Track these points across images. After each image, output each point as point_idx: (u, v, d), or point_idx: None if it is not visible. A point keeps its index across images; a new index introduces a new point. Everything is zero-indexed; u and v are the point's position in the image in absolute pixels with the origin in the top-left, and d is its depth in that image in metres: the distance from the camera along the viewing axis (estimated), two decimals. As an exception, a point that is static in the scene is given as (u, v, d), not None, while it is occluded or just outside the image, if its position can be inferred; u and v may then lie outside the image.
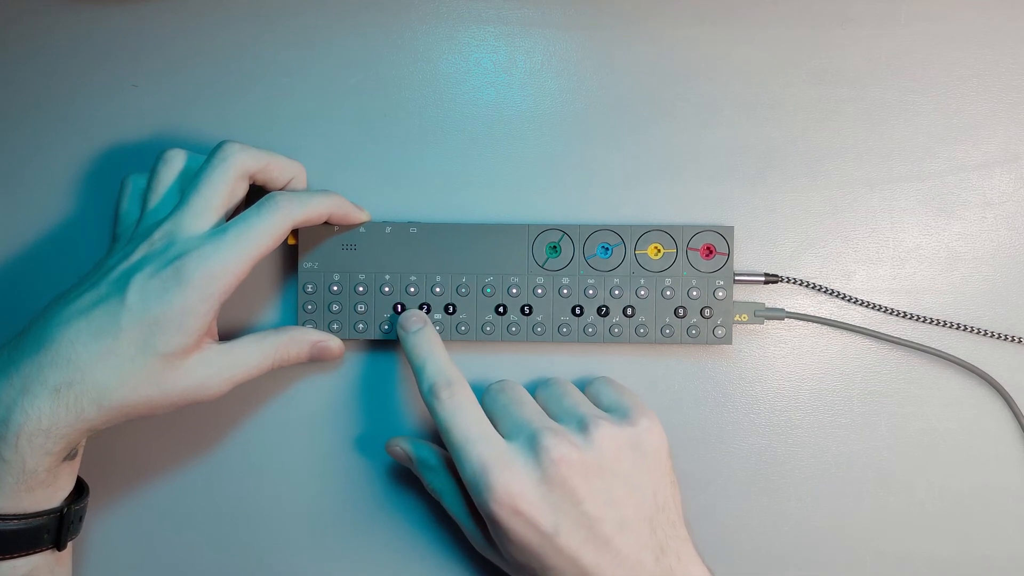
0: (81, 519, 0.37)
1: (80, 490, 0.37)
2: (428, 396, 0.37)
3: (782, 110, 0.42)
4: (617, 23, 0.43)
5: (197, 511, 0.42)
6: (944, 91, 0.42)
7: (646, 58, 0.43)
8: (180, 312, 0.34)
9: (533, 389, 0.40)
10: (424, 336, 0.39)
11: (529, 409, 0.37)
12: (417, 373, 0.38)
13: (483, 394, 0.39)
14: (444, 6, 0.43)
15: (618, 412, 0.38)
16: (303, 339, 0.39)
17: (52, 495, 0.35)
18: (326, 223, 0.39)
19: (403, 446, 0.39)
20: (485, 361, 0.42)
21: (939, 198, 0.42)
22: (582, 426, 0.36)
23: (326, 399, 0.42)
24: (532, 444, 0.35)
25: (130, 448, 0.42)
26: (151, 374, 0.34)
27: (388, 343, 0.42)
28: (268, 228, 0.35)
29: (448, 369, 0.37)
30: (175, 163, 0.38)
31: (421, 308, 0.41)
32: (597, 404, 0.39)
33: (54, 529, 0.35)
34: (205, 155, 0.37)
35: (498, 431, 0.37)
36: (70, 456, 0.35)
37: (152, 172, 0.38)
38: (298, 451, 0.42)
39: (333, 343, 0.40)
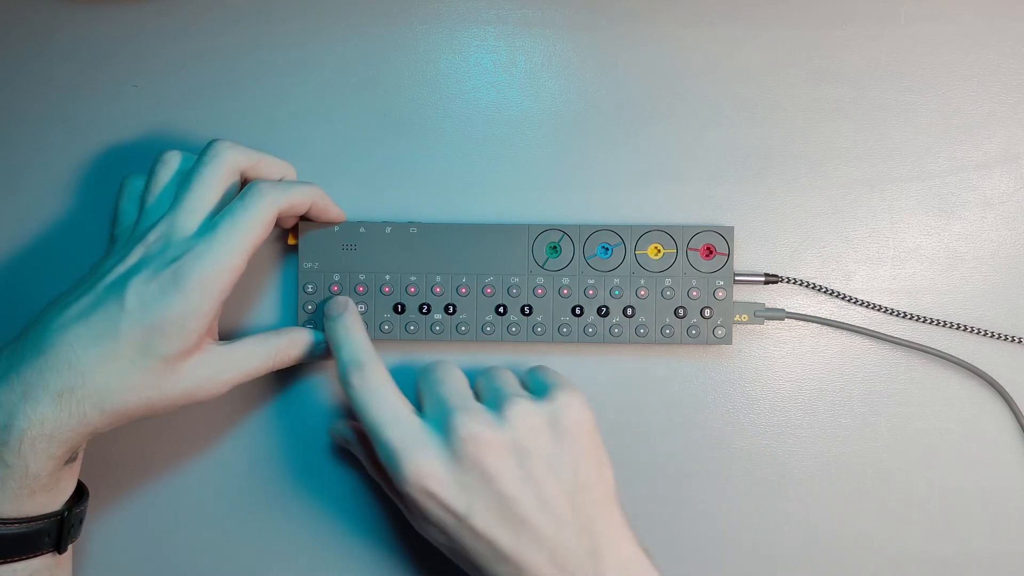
0: (81, 522, 0.37)
1: (80, 493, 0.37)
2: (341, 382, 0.36)
3: (782, 110, 0.42)
4: (617, 23, 0.43)
5: (196, 512, 0.42)
6: (944, 91, 0.42)
7: (646, 58, 0.43)
8: (180, 314, 0.34)
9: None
10: (341, 322, 0.38)
11: (450, 388, 0.37)
12: (335, 355, 0.37)
13: (418, 371, 0.38)
14: (444, 6, 0.43)
15: (538, 391, 0.37)
16: (302, 340, 0.39)
17: (53, 499, 0.35)
18: (304, 218, 0.40)
19: (340, 428, 0.40)
20: (485, 361, 0.42)
21: (939, 198, 0.42)
22: (496, 404, 0.36)
23: (325, 398, 0.42)
24: (443, 423, 0.35)
25: (129, 449, 0.42)
26: (151, 377, 0.34)
27: (390, 342, 0.42)
28: (255, 217, 0.35)
29: (360, 353, 0.37)
30: (172, 164, 0.38)
31: (421, 308, 0.41)
32: (524, 387, 0.38)
33: (55, 532, 0.35)
34: (202, 156, 0.37)
35: (422, 409, 0.36)
36: (71, 459, 0.35)
37: (150, 173, 0.38)
38: (299, 450, 0.42)
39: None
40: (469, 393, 0.37)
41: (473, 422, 0.34)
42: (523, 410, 0.35)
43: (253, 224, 0.35)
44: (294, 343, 0.39)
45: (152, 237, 0.35)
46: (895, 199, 0.42)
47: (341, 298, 0.39)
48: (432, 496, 0.34)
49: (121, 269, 0.35)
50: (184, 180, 0.36)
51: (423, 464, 0.34)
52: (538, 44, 0.43)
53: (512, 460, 0.34)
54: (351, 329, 0.38)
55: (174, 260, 0.34)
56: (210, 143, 0.37)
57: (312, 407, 0.42)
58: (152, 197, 0.37)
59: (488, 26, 0.43)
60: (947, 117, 0.42)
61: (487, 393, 0.37)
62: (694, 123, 0.42)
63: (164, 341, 0.34)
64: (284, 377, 0.42)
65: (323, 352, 0.40)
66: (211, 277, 0.34)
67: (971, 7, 0.42)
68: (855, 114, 0.42)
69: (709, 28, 0.43)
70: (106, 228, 0.42)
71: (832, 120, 0.42)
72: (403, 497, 0.35)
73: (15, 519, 0.34)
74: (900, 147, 0.42)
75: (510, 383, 0.38)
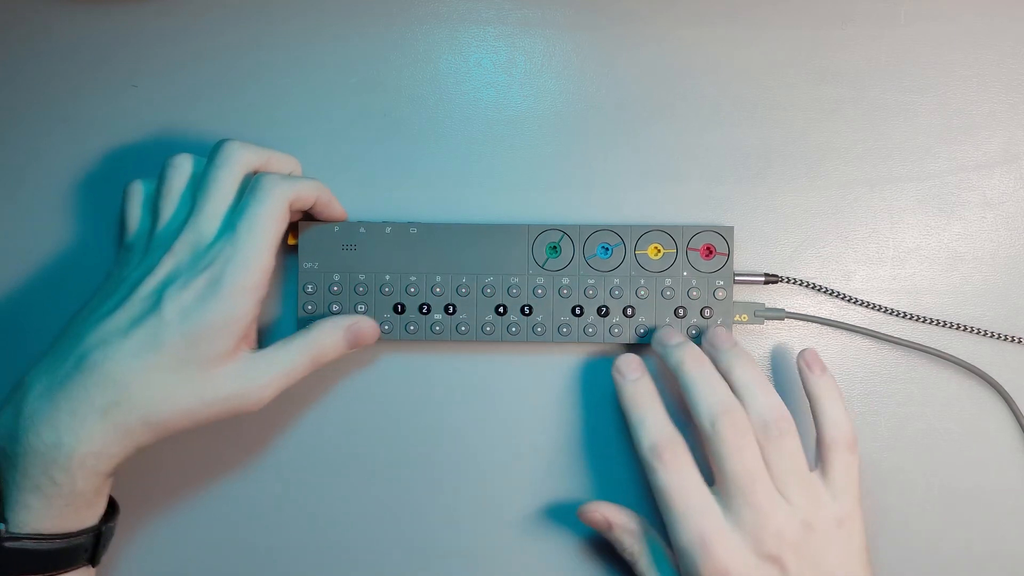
0: (112, 535, 0.37)
1: (111, 506, 0.37)
2: (648, 455, 0.37)
3: (782, 110, 0.42)
4: (617, 23, 0.43)
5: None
6: (944, 91, 0.42)
7: (646, 58, 0.43)
8: (221, 319, 0.34)
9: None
10: (643, 387, 0.39)
11: (750, 463, 0.36)
12: (635, 427, 0.38)
13: (705, 414, 0.37)
14: (444, 6, 0.43)
15: (826, 467, 0.38)
16: (335, 325, 0.39)
17: (93, 514, 0.36)
18: (307, 216, 0.40)
19: (603, 512, 0.39)
20: (485, 361, 0.42)
21: (939, 198, 0.42)
22: (794, 495, 0.36)
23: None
24: (749, 520, 0.36)
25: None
26: (192, 385, 0.35)
27: (390, 342, 0.42)
28: (270, 211, 0.36)
29: (668, 427, 0.38)
30: (184, 168, 0.38)
31: (421, 308, 0.41)
32: (820, 464, 0.38)
33: (91, 547, 0.36)
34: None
35: (718, 470, 0.37)
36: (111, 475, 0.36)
37: (161, 179, 0.38)
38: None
39: (364, 323, 0.39)
40: (764, 468, 0.37)
41: (780, 521, 0.36)
42: (822, 515, 0.37)
43: (270, 218, 0.36)
44: (326, 332, 0.38)
45: (179, 246, 0.36)
46: (895, 199, 0.42)
47: (636, 358, 0.40)
48: None
49: (153, 281, 0.35)
50: (200, 185, 0.37)
51: (729, 563, 0.35)
52: (538, 44, 0.43)
53: (803, 560, 0.36)
54: (654, 396, 0.39)
55: (206, 268, 0.35)
56: (220, 144, 0.37)
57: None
58: (168, 203, 0.37)
59: (488, 26, 0.43)
60: (947, 117, 0.42)
61: (781, 473, 0.37)
62: (694, 123, 0.42)
63: (204, 347, 0.34)
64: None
65: (357, 336, 0.39)
66: (245, 279, 0.35)
67: (971, 7, 0.42)
68: (855, 114, 0.42)
69: (709, 28, 0.43)
70: (105, 228, 0.42)
71: (832, 120, 0.42)
72: None
73: (58, 535, 0.34)
74: (900, 147, 0.42)
75: (802, 464, 0.37)
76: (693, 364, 0.38)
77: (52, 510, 0.34)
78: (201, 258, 0.35)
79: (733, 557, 0.35)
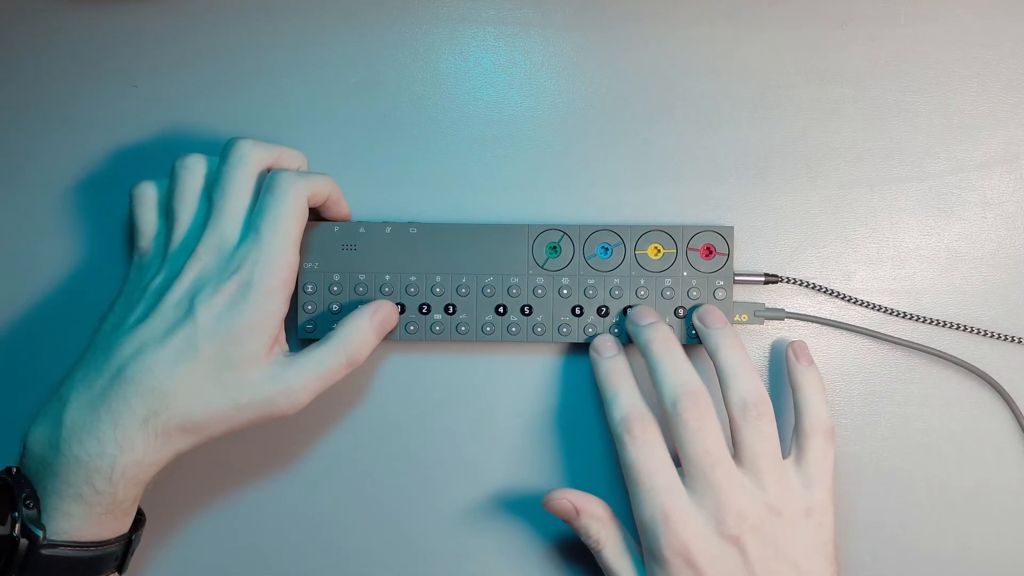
0: (139, 543, 0.38)
1: (139, 515, 0.38)
2: (619, 428, 0.37)
3: (782, 110, 0.42)
4: (617, 23, 0.43)
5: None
6: (944, 91, 0.42)
7: (646, 58, 0.43)
8: (254, 320, 0.35)
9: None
10: (618, 364, 0.39)
11: (715, 451, 0.36)
12: (608, 402, 0.38)
13: (668, 395, 0.37)
14: (444, 6, 0.43)
15: (798, 452, 0.38)
16: (359, 315, 0.38)
17: (127, 522, 0.36)
18: (312, 213, 0.39)
19: (569, 498, 0.38)
20: (485, 361, 0.42)
21: (939, 198, 0.42)
22: (762, 480, 0.37)
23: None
24: (716, 507, 0.36)
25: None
26: (228, 390, 0.35)
27: (390, 342, 0.42)
28: (291, 208, 0.36)
29: (640, 404, 0.38)
30: (197, 169, 0.38)
31: (421, 308, 0.41)
32: (795, 451, 0.38)
33: (121, 555, 0.36)
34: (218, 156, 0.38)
35: (680, 452, 0.37)
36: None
37: (174, 181, 0.38)
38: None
39: (385, 307, 0.39)
40: (728, 452, 0.37)
41: (742, 502, 0.36)
42: (791, 502, 0.37)
43: (291, 216, 0.36)
44: (353, 325, 0.38)
45: (202, 250, 0.36)
46: (895, 199, 0.42)
47: (612, 337, 0.40)
48: (692, 566, 0.35)
49: (181, 288, 0.35)
50: (216, 186, 0.37)
51: (690, 541, 0.35)
52: (538, 44, 0.43)
53: (765, 543, 0.36)
54: (628, 374, 0.39)
55: (235, 271, 0.35)
56: (232, 143, 0.37)
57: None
58: (186, 207, 0.37)
59: (488, 26, 0.43)
60: (947, 117, 0.42)
61: (750, 456, 0.37)
62: (694, 123, 0.42)
63: (239, 350, 0.35)
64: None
65: (383, 321, 0.39)
66: (274, 279, 0.35)
67: (971, 7, 0.42)
68: (855, 114, 0.42)
69: (709, 28, 0.43)
70: (105, 229, 0.42)
71: (832, 120, 0.42)
72: (657, 560, 0.36)
73: (93, 542, 0.34)
74: (900, 147, 0.42)
75: (776, 449, 0.37)
76: (661, 345, 0.38)
77: (91, 518, 0.34)
78: (228, 262, 0.35)
79: (694, 535, 0.35)
